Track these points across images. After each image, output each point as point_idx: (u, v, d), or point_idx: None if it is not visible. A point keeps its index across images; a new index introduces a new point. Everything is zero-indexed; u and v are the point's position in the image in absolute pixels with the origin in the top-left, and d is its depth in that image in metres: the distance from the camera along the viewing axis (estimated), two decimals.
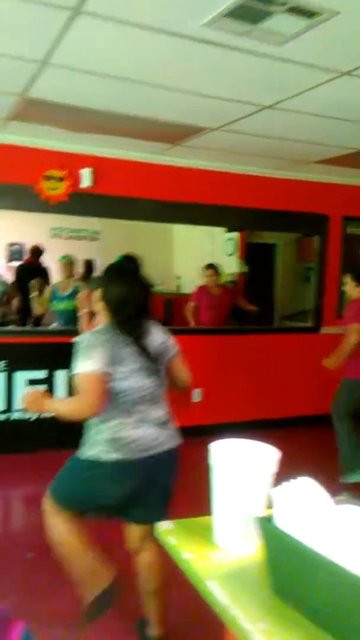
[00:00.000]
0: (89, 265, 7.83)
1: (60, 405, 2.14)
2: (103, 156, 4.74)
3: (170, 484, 2.15)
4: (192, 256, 8.35)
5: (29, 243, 8.49)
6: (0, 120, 4.04)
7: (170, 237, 9.23)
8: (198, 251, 8.44)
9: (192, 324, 5.73)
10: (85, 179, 4.68)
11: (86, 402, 1.96)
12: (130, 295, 2.09)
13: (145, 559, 2.17)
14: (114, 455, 2.01)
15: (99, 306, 2.15)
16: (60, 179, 4.62)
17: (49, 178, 4.58)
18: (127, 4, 2.27)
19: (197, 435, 2.95)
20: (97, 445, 2.05)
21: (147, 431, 2.05)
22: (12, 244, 8.45)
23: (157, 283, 8.73)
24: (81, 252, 7.88)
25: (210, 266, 5.84)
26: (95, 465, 2.03)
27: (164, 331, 2.25)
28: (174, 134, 4.20)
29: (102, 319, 2.13)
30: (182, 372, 2.30)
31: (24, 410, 2.12)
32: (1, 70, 3.09)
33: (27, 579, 2.79)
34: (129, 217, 5.04)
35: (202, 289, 5.79)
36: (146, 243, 8.51)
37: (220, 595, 1.03)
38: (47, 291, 5.52)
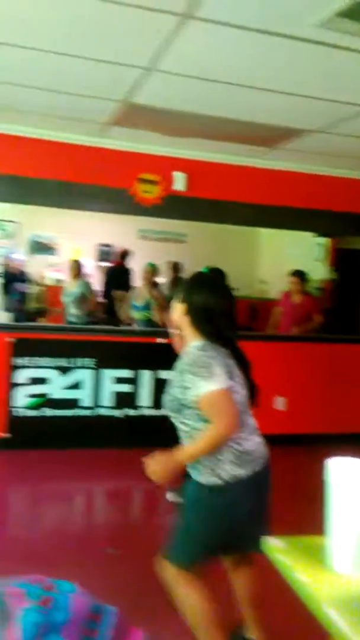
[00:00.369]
0: (176, 268, 7.89)
1: (195, 448, 1.88)
2: (198, 159, 4.76)
3: (268, 497, 2.06)
4: (279, 261, 8.21)
5: (117, 244, 8.75)
6: (100, 125, 4.17)
7: (256, 240, 9.14)
8: (285, 256, 8.29)
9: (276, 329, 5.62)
10: (179, 182, 4.73)
11: (226, 423, 1.82)
12: (219, 306, 1.97)
13: (245, 576, 2.12)
14: (241, 472, 1.89)
15: (184, 321, 1.99)
16: (154, 183, 4.70)
17: (143, 181, 4.67)
18: (238, 7, 2.25)
19: (282, 444, 2.89)
20: (218, 468, 1.89)
21: (257, 440, 1.99)
22: (101, 245, 8.74)
23: (239, 287, 8.74)
24: (167, 254, 8.02)
25: (295, 273, 5.68)
26: (220, 490, 1.89)
27: None
28: (272, 136, 4.14)
29: (190, 335, 1.98)
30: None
31: (153, 479, 1.92)
32: (105, 77, 3.19)
33: (111, 573, 2.85)
34: (221, 221, 5.05)
35: (285, 295, 5.68)
36: (231, 246, 8.51)
37: (341, 623, 0.98)
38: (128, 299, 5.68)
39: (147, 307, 5.47)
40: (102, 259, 8.74)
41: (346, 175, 5.09)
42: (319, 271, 8.06)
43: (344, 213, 5.15)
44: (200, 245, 8.59)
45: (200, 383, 1.82)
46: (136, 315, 5.54)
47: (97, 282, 7.94)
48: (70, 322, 5.91)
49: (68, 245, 8.50)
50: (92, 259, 8.69)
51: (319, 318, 5.64)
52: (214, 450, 1.86)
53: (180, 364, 1.95)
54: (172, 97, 3.44)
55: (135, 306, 5.55)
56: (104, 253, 8.78)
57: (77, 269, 6.08)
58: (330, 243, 7.85)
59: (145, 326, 5.43)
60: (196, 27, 2.44)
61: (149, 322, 5.47)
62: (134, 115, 3.84)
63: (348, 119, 3.61)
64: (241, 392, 1.95)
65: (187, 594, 1.95)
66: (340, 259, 7.87)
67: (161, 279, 7.38)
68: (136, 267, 6.87)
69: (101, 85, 3.33)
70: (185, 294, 2.01)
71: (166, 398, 1.99)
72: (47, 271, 8.46)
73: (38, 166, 4.48)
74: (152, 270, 5.68)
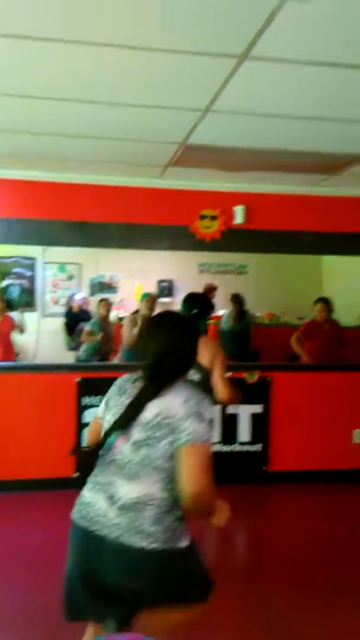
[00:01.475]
0: (237, 300, 7.64)
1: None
2: (255, 192, 4.76)
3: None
4: (345, 288, 7.98)
5: (178, 279, 8.82)
6: (161, 167, 4.26)
7: (320, 268, 8.93)
8: (351, 282, 8.05)
9: (302, 356, 5.40)
10: (238, 215, 4.73)
11: (210, 483, 1.69)
12: (144, 349, 1.86)
13: None
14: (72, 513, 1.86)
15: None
16: (214, 218, 4.72)
17: (203, 217, 4.71)
18: (297, 42, 2.24)
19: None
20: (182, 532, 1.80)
21: (89, 494, 1.80)
22: (162, 281, 8.85)
23: (305, 315, 8.52)
24: (229, 286, 7.96)
25: (321, 300, 5.54)
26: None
27: (184, 402, 1.70)
28: (333, 164, 4.07)
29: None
30: (184, 475, 1.64)
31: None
32: (165, 122, 3.25)
33: None
34: (283, 251, 4.98)
35: (312, 324, 5.50)
36: (295, 274, 8.37)
37: None
38: None
39: None
40: (162, 295, 8.83)
41: None
42: None
43: None
44: (263, 275, 8.53)
45: (204, 429, 1.75)
46: None
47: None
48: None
49: (129, 283, 8.67)
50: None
51: (345, 344, 5.45)
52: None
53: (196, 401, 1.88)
54: (228, 134, 3.46)
55: None
56: (165, 289, 8.88)
57: (152, 303, 5.73)
58: None
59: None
60: (252, 65, 2.44)
61: None
62: (192, 155, 3.89)
63: None
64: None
65: None
66: None
67: (222, 312, 7.34)
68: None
69: (160, 130, 3.40)
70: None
71: None
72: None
73: (102, 211, 4.62)
74: (152, 299, 5.57)
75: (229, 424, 4.76)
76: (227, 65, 2.46)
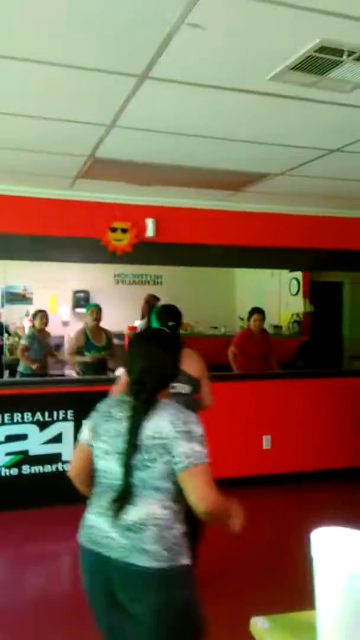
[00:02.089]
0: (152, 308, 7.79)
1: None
2: (165, 206, 4.82)
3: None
4: (256, 296, 8.28)
5: (94, 289, 8.73)
6: (69, 179, 4.21)
7: (232, 278, 9.22)
8: (261, 291, 8.36)
9: (235, 369, 5.57)
10: (149, 228, 4.76)
11: (217, 499, 1.73)
12: (138, 364, 1.84)
13: None
14: (80, 536, 1.88)
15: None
16: (125, 230, 4.72)
17: (114, 230, 4.70)
18: (194, 65, 2.31)
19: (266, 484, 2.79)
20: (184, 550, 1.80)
21: (94, 517, 1.82)
22: (78, 291, 8.71)
23: (218, 325, 8.73)
24: (144, 296, 7.99)
25: (257, 310, 5.74)
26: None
27: (171, 423, 1.71)
28: (238, 181, 4.21)
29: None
30: (192, 495, 1.70)
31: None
32: (71, 135, 3.23)
33: None
34: (193, 264, 5.08)
35: (245, 335, 5.71)
36: (208, 285, 8.56)
37: None
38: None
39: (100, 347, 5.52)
40: (78, 305, 8.70)
41: (312, 214, 5.20)
42: (296, 305, 8.15)
43: (312, 249, 5.23)
44: (177, 285, 8.62)
45: (200, 450, 1.73)
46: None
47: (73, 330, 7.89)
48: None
49: (44, 294, 8.46)
50: (69, 305, 8.66)
51: (275, 356, 5.70)
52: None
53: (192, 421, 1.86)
54: (133, 149, 3.49)
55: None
56: (81, 299, 8.75)
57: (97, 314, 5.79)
58: (304, 277, 7.96)
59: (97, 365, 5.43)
60: (152, 85, 2.49)
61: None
62: (101, 168, 3.88)
63: (311, 162, 3.70)
64: (106, 456, 1.76)
65: None
66: (315, 292, 7.98)
67: (137, 322, 7.37)
68: (112, 311, 6.79)
69: (68, 142, 3.37)
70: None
71: None
72: (24, 321, 8.37)
73: (9, 221, 4.48)
74: (98, 310, 5.67)
75: None
76: (129, 84, 2.49)
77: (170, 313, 3.25)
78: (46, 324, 6.04)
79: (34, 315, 6.17)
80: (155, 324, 3.23)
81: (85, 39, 2.10)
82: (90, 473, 1.83)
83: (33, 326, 6.13)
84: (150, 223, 4.73)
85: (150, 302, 7.51)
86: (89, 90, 2.60)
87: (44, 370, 5.97)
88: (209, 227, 4.93)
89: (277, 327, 8.11)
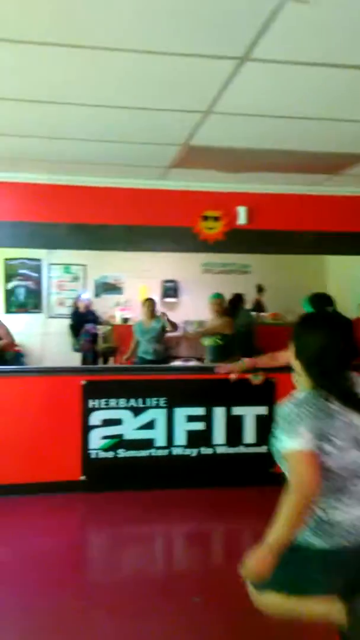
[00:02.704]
0: (237, 299, 7.71)
1: (280, 526, 1.74)
2: (258, 192, 4.74)
3: None
4: (350, 284, 7.96)
5: (182, 279, 8.83)
6: (162, 169, 4.26)
7: (323, 265, 8.91)
8: (356, 279, 8.02)
9: None
10: (241, 216, 4.72)
11: (300, 488, 1.73)
12: (331, 353, 1.80)
13: None
14: (315, 542, 1.79)
15: (295, 364, 1.92)
16: (217, 219, 4.71)
17: (206, 218, 4.70)
18: (298, 43, 2.23)
19: None
20: (306, 529, 1.81)
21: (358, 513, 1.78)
22: (166, 281, 8.85)
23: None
24: (232, 286, 7.96)
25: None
26: (302, 550, 1.80)
27: None
28: (338, 163, 4.05)
29: (302, 380, 1.90)
30: None
31: (251, 581, 1.83)
32: (166, 124, 3.25)
33: (196, 624, 2.74)
34: (286, 252, 4.97)
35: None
36: (297, 273, 8.34)
37: None
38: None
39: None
40: (167, 295, 8.83)
41: None
42: None
43: None
44: (266, 274, 8.51)
45: (284, 438, 1.76)
46: (207, 342, 5.78)
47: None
48: (144, 360, 6.06)
49: (134, 284, 8.68)
50: (158, 295, 8.83)
51: None
52: (303, 514, 1.72)
53: (278, 410, 1.87)
54: (230, 135, 3.45)
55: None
56: (169, 289, 8.88)
57: (152, 307, 6.39)
58: None
59: (214, 352, 5.64)
60: (253, 67, 2.43)
61: (218, 348, 5.67)
62: (194, 156, 3.88)
63: None
64: (345, 456, 1.77)
65: (270, 603, 1.86)
66: None
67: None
68: (200, 301, 6.86)
69: (162, 132, 3.40)
70: (294, 336, 1.92)
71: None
72: (115, 310, 8.65)
73: (103, 212, 4.62)
74: (220, 301, 5.97)
75: (234, 426, 4.75)
76: (228, 67, 2.45)
77: (326, 299, 3.33)
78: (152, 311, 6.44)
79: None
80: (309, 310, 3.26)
81: (184, 25, 2.09)
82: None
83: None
84: (242, 211, 4.69)
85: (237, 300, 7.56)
86: (185, 77, 2.59)
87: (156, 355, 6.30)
88: (303, 213, 4.80)
89: None
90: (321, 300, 3.30)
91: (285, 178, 4.50)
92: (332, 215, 4.83)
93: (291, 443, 1.74)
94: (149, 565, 3.61)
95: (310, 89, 2.69)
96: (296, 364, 1.91)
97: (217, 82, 2.63)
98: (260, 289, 8.46)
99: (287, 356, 1.96)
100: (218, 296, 6.01)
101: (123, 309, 8.62)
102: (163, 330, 6.34)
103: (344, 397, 1.78)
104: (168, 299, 8.79)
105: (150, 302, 6.48)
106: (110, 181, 4.56)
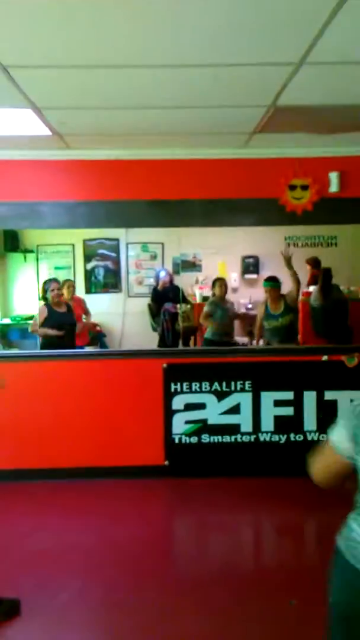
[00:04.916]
0: (325, 275, 7.10)
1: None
2: (352, 156, 4.28)
3: None
4: None
5: (263, 254, 8.42)
6: (245, 135, 3.92)
7: None
8: None
9: None
10: (333, 183, 4.28)
11: (312, 470, 1.68)
12: None
13: None
14: (341, 544, 1.58)
15: None
16: (305, 188, 4.31)
17: (293, 187, 4.31)
18: None
19: None
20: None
21: None
22: (246, 257, 8.48)
23: None
24: (320, 259, 7.45)
25: None
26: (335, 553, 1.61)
27: None
28: None
29: None
30: None
31: None
32: (251, 82, 2.91)
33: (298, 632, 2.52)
34: None
35: None
36: None
37: None
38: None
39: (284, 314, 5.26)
40: (248, 272, 8.48)
41: None
42: None
43: None
44: (354, 248, 7.90)
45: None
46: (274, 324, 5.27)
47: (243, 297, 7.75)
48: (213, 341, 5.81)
49: (213, 260, 8.39)
50: (238, 272, 8.49)
51: None
52: None
53: None
54: (324, 91, 3.06)
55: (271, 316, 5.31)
56: (250, 265, 8.51)
57: (224, 287, 6.07)
58: None
59: (280, 334, 5.19)
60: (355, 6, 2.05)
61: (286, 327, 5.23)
62: (281, 118, 3.51)
63: None
64: None
65: None
66: None
67: (311, 288, 6.87)
68: (285, 277, 6.40)
69: (245, 92, 3.07)
70: None
71: None
72: (195, 288, 8.43)
73: (183, 188, 4.36)
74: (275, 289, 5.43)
75: (328, 412, 4.41)
76: (327, 8, 2.08)
77: None
78: (225, 291, 6.09)
79: (214, 283, 6.24)
80: None
81: None
82: (342, 480, 1.63)
83: (214, 294, 6.19)
84: (334, 177, 4.25)
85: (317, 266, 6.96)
86: (276, 24, 2.24)
87: (229, 337, 6.01)
88: None
89: None
90: None
91: None
92: None
93: (329, 431, 1.62)
94: (240, 560, 3.43)
95: None
96: None
97: (313, 27, 2.26)
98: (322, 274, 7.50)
99: None
100: (271, 284, 5.40)
101: (202, 287, 8.38)
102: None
103: None
104: (248, 276, 8.43)
105: (221, 282, 6.10)
106: (188, 152, 4.28)
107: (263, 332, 5.39)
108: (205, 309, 5.99)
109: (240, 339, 6.68)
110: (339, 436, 1.57)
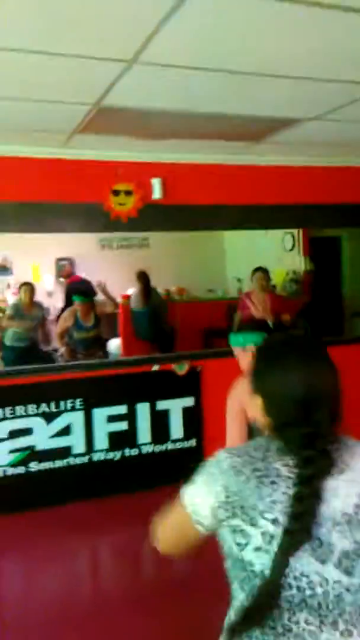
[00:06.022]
0: (142, 277, 6.92)
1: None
2: (173, 162, 4.22)
3: None
4: (249, 256, 7.78)
5: (78, 257, 8.09)
6: (64, 134, 3.57)
7: (220, 237, 8.59)
8: (254, 250, 7.87)
9: None
10: (155, 189, 4.18)
11: (157, 537, 1.29)
12: (298, 389, 1.13)
13: None
14: None
15: (254, 404, 1.22)
16: (129, 193, 4.13)
17: (117, 193, 4.10)
18: None
19: None
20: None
21: None
22: (61, 259, 8.05)
23: (214, 288, 8.24)
24: (131, 261, 7.35)
25: (260, 269, 5.43)
26: None
27: None
28: (261, 129, 3.65)
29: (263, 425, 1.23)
30: None
31: None
32: (78, 78, 2.60)
33: None
34: (207, 228, 4.55)
35: (247, 296, 5.33)
36: (195, 246, 7.98)
37: None
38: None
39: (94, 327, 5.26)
40: (62, 275, 8.07)
41: (339, 164, 4.64)
42: (292, 262, 7.68)
43: (338, 205, 4.72)
44: (165, 248, 8.03)
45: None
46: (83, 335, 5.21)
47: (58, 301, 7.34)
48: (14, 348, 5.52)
49: (25, 263, 7.79)
50: (53, 275, 8.03)
51: (287, 317, 5.25)
52: None
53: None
54: (150, 94, 2.89)
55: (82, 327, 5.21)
56: (64, 267, 8.11)
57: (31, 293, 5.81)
58: (302, 233, 7.47)
59: (88, 344, 5.21)
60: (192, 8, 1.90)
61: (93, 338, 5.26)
62: (105, 120, 3.26)
63: (350, 104, 3.16)
64: (304, 563, 1.06)
65: None
66: (315, 249, 7.52)
67: (129, 291, 6.75)
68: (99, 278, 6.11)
69: (70, 88, 2.74)
70: (255, 365, 1.24)
71: None
72: (6, 294, 7.72)
73: None
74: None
75: (159, 422, 4.33)
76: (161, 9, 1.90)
77: None
78: (32, 297, 5.79)
79: (19, 288, 5.90)
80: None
81: None
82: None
83: (20, 299, 5.86)
84: (157, 183, 4.14)
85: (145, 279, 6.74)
86: (112, 19, 1.99)
87: (34, 346, 5.79)
88: (222, 185, 4.36)
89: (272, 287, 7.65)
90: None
91: (203, 146, 4.02)
92: (254, 188, 4.45)
93: (184, 489, 1.20)
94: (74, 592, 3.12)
95: (257, 31, 2.20)
96: (255, 402, 1.23)
97: (151, 22, 2.06)
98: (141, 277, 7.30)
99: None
100: (81, 299, 5.24)
101: (15, 292, 7.71)
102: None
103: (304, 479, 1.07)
104: (63, 279, 8.03)
105: (27, 287, 5.80)
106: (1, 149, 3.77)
107: (68, 341, 5.27)
108: (7, 312, 5.85)
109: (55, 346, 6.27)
110: (195, 502, 1.16)
